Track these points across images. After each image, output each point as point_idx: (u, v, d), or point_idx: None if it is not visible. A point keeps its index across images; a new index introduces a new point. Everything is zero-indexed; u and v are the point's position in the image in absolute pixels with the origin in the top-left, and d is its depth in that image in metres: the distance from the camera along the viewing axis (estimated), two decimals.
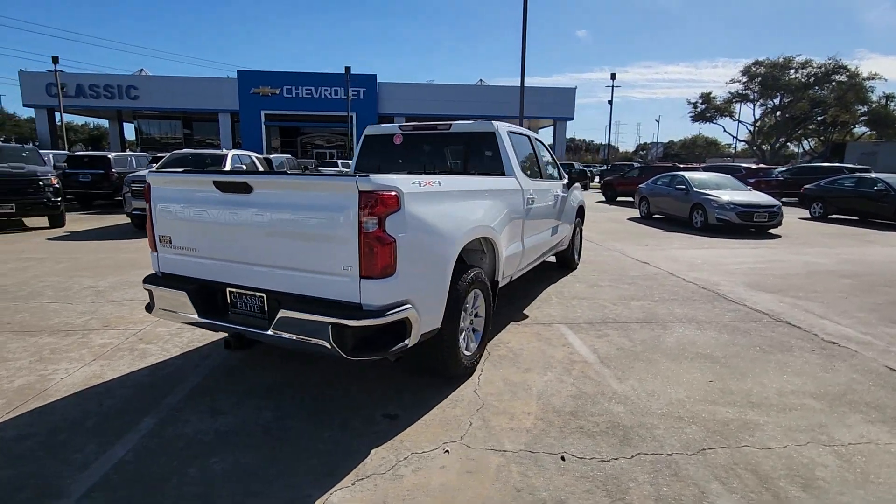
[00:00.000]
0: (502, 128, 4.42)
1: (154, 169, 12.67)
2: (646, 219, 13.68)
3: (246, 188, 2.65)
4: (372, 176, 2.43)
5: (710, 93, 40.09)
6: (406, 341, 2.61)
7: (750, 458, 2.52)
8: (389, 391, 3.20)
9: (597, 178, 28.92)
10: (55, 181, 10.64)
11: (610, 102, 34.64)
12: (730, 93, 39.72)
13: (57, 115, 36.72)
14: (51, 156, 16.90)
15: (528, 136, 5.18)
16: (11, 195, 9.94)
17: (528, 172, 4.75)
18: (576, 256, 6.91)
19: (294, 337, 2.55)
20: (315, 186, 2.54)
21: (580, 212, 6.88)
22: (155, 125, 46.62)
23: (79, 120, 57.31)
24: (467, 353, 3.36)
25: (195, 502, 2.14)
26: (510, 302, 5.22)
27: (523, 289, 5.77)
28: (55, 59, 27.78)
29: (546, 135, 54.54)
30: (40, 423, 2.79)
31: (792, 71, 34.69)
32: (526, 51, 20.99)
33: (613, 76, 34.00)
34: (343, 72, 39.58)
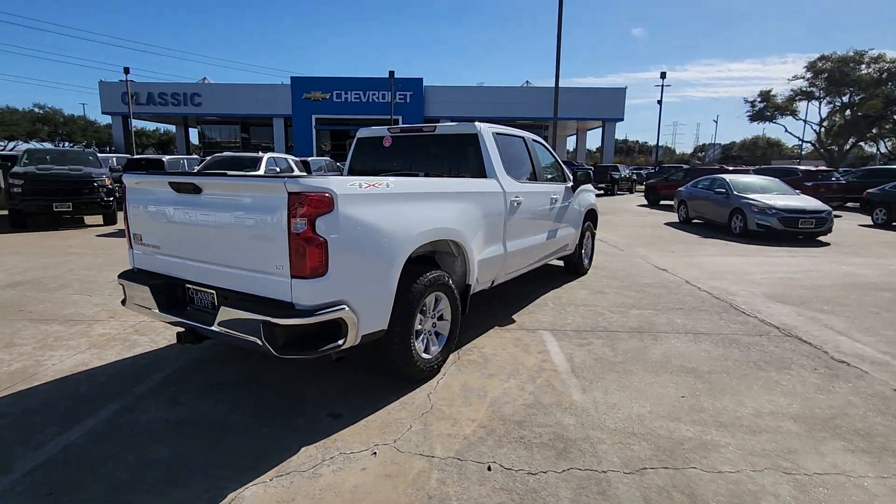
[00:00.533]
0: (486, 129, 4.37)
1: (196, 171, 13.45)
2: (684, 224, 13.05)
3: (196, 189, 2.77)
4: (303, 178, 2.47)
5: (769, 90, 37.50)
6: (340, 342, 2.63)
7: (692, 482, 2.35)
8: (344, 391, 3.23)
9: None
10: (108, 182, 11.51)
11: (659, 102, 33.34)
12: (792, 90, 37.05)
13: (131, 121, 39.46)
14: (114, 159, 18.33)
15: (523, 138, 5.08)
16: (69, 195, 10.85)
17: (517, 174, 4.66)
18: (585, 261, 6.69)
19: (232, 333, 2.63)
20: (252, 188, 2.62)
21: (590, 215, 6.66)
22: (216, 130, 49.30)
23: (151, 126, 61.59)
24: (426, 356, 3.34)
25: (118, 486, 2.26)
26: (502, 306, 5.14)
27: (520, 293, 5.66)
28: (126, 70, 30.12)
29: (595, 137, 52.78)
30: (19, 404, 3.02)
31: (863, 66, 31.84)
32: (561, 51, 20.59)
33: (663, 75, 32.71)
34: (390, 76, 40.52)
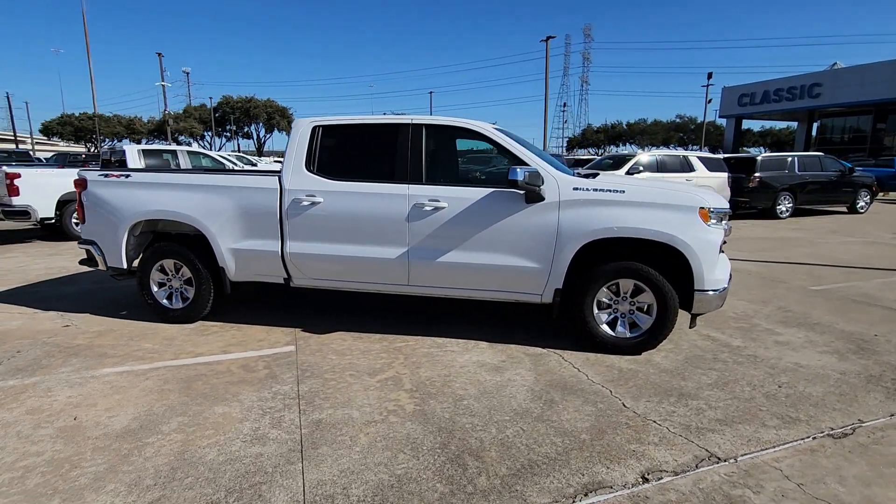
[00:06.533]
0: (302, 123, 4.18)
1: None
2: None
3: None
4: (86, 169, 4.60)
5: None
6: (93, 265, 4.61)
7: None
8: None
9: None
10: None
11: None
12: None
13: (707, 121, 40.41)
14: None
15: (396, 128, 3.98)
16: None
17: (339, 172, 4.05)
18: (604, 328, 3.71)
19: None
20: None
21: (625, 249, 3.60)
22: (840, 122, 41.79)
23: (760, 125, 58.75)
24: (166, 303, 4.49)
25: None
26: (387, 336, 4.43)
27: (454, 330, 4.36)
28: (709, 75, 31.27)
29: None
30: None
31: None
32: None
33: None
34: None
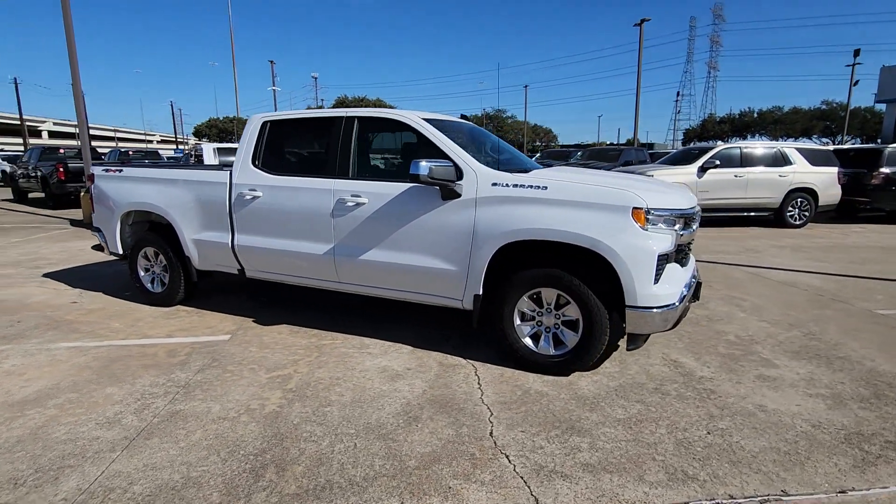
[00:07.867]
0: (254, 119, 4.26)
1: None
2: None
3: None
4: (98, 165, 5.17)
5: None
6: (103, 251, 5.17)
7: None
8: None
9: None
10: None
11: None
12: None
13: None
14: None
15: (332, 121, 3.87)
16: None
17: (277, 166, 4.06)
18: (527, 342, 3.26)
19: None
20: None
21: (548, 255, 3.14)
22: None
23: None
24: (150, 287, 4.89)
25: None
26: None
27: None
28: (856, 53, 26.23)
29: None
30: None
31: None
32: None
33: None
34: None
